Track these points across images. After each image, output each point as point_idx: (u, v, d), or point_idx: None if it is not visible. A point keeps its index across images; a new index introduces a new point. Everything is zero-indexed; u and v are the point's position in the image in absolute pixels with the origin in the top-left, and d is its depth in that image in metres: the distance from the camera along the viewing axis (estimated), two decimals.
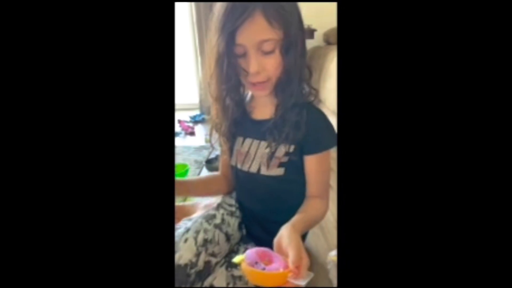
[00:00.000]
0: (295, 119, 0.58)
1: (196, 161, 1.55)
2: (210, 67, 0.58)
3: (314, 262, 0.78)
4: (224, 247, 0.62)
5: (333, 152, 0.64)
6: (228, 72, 0.55)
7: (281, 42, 0.53)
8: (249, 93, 0.67)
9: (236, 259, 0.46)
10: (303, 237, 0.81)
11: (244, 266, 0.45)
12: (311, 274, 0.44)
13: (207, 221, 0.64)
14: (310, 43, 2.01)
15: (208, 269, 0.59)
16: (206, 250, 0.59)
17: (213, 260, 0.59)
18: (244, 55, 0.54)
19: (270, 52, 0.53)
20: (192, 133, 1.98)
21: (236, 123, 0.65)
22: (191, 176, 1.38)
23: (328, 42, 2.00)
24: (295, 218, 0.54)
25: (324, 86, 1.58)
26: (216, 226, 0.62)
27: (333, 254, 0.76)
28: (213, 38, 0.55)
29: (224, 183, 0.76)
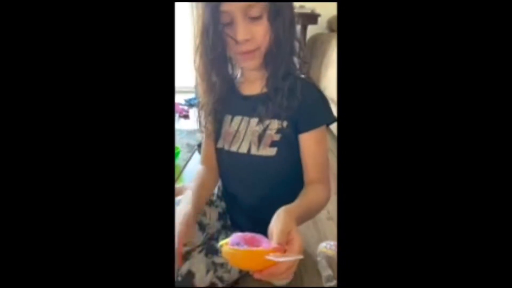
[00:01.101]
0: (288, 87, 0.55)
1: (188, 145, 1.51)
2: (196, 40, 0.55)
3: (303, 253, 0.75)
4: (196, 236, 0.59)
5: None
6: (214, 41, 0.52)
7: (268, 7, 0.51)
8: (239, 73, 0.64)
9: (221, 242, 0.41)
10: None
11: (224, 247, 0.40)
12: (298, 256, 0.38)
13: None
14: (312, 30, 1.95)
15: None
16: None
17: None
18: (231, 23, 0.51)
19: (258, 18, 0.51)
20: (186, 116, 1.94)
21: (224, 100, 0.61)
22: (181, 160, 1.34)
23: (331, 29, 1.94)
24: (291, 204, 0.48)
25: (326, 74, 1.52)
26: None
27: (323, 246, 0.73)
28: (199, 9, 0.52)
29: (212, 178, 0.67)
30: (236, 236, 0.41)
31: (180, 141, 1.53)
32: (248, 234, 0.42)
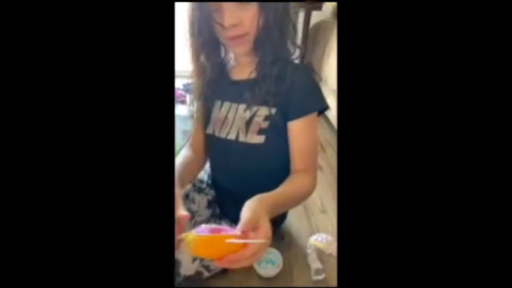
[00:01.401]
0: (277, 73, 0.52)
1: (184, 131, 1.48)
2: (185, 25, 0.53)
3: (293, 245, 0.74)
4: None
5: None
6: (201, 26, 0.51)
7: None
8: (232, 58, 0.62)
9: (183, 234, 0.38)
10: (283, 216, 0.75)
11: (186, 237, 0.37)
12: (259, 240, 0.36)
13: None
14: (317, 17, 1.89)
15: None
16: None
17: None
18: (219, 8, 0.49)
19: (246, 3, 0.48)
20: (183, 102, 1.90)
21: (214, 84, 0.59)
22: (176, 146, 1.32)
23: (335, 16, 1.88)
24: (268, 192, 0.46)
25: (328, 62, 1.48)
26: None
27: (314, 238, 0.72)
28: None
29: (197, 162, 0.66)
30: (202, 227, 0.39)
31: (176, 127, 1.51)
32: (216, 227, 0.40)
